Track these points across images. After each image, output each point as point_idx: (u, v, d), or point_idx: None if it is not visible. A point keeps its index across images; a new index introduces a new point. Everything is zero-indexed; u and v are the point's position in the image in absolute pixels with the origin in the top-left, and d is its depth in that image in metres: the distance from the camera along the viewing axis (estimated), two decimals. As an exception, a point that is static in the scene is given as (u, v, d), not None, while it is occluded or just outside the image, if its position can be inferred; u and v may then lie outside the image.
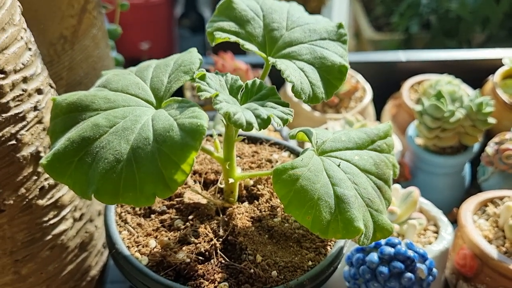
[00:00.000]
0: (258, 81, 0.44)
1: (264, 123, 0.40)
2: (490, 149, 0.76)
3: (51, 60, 0.63)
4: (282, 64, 0.44)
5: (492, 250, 0.59)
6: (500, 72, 0.93)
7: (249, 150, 0.59)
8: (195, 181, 0.54)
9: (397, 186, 0.62)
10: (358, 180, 0.44)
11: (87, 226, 0.56)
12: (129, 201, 0.38)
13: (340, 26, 0.49)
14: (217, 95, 0.40)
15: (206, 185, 0.54)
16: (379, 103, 0.96)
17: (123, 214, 0.51)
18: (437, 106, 0.70)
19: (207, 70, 0.91)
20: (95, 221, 0.58)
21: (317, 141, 0.46)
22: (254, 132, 0.63)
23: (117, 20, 0.79)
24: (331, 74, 0.46)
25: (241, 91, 0.44)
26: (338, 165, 0.44)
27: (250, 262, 0.46)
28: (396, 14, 1.68)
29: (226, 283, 0.44)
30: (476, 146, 0.76)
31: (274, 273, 0.45)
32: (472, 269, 0.61)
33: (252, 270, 0.45)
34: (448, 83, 0.87)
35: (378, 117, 0.95)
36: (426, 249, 0.57)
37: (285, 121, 0.41)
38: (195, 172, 0.55)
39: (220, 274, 0.45)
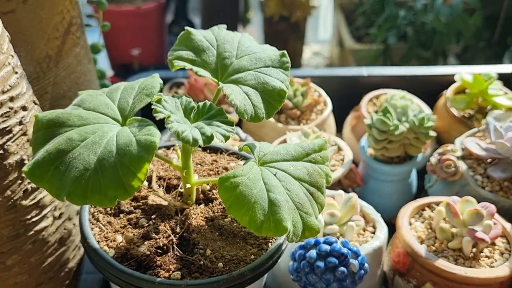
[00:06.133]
0: (208, 103, 0.53)
1: (208, 139, 0.48)
2: (433, 159, 0.84)
3: (38, 77, 0.71)
4: (228, 89, 0.53)
5: (421, 249, 0.67)
6: (452, 88, 1.02)
7: (209, 159, 0.67)
8: (159, 186, 0.62)
9: (341, 192, 0.70)
10: (291, 187, 0.52)
11: (66, 224, 0.64)
12: (95, 202, 0.46)
13: (283, 55, 0.58)
14: (169, 116, 0.48)
15: (169, 189, 0.62)
16: (342, 115, 1.05)
17: (95, 213, 0.59)
18: (383, 121, 0.78)
19: (181, 84, 0.99)
20: (73, 220, 0.66)
21: (259, 154, 0.55)
22: (216, 143, 0.72)
23: (100, 37, 0.87)
24: (272, 97, 0.55)
25: (194, 111, 0.52)
26: (275, 174, 0.52)
27: (200, 255, 0.54)
28: (375, 25, 1.77)
29: (179, 272, 0.52)
30: (420, 156, 0.85)
31: (220, 264, 0.53)
32: (405, 265, 0.69)
33: (201, 262, 0.53)
34: (401, 97, 0.95)
35: (341, 128, 1.04)
36: (361, 247, 0.65)
37: (226, 138, 0.49)
38: (160, 178, 0.63)
39: (174, 265, 0.53)
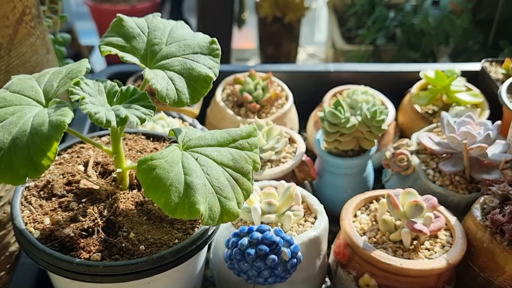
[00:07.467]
0: (131, 87, 0.54)
1: (122, 121, 0.49)
2: (388, 153, 0.84)
3: (-12, 64, 0.72)
4: (151, 74, 0.54)
5: (360, 240, 0.67)
6: (417, 84, 1.02)
7: (151, 147, 0.68)
8: (95, 171, 0.63)
9: (283, 182, 0.70)
10: (211, 172, 0.53)
11: (6, 208, 0.65)
12: (7, 180, 0.47)
13: (212, 42, 0.58)
14: (83, 98, 0.49)
15: (106, 174, 0.63)
16: (309, 110, 1.05)
17: (28, 196, 0.60)
18: (333, 113, 0.79)
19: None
20: (15, 204, 0.67)
21: (184, 139, 0.55)
22: (160, 131, 0.73)
23: (57, 28, 0.88)
24: (197, 83, 0.55)
25: (117, 95, 0.53)
26: (196, 159, 0.53)
27: (123, 238, 0.55)
28: (365, 26, 1.77)
29: (99, 254, 0.53)
30: (373, 150, 0.84)
31: (142, 247, 0.54)
32: (345, 256, 0.69)
33: (123, 244, 0.54)
34: (363, 93, 0.95)
35: (306, 122, 1.04)
36: (297, 236, 0.65)
37: (142, 120, 0.50)
38: (97, 164, 0.64)
39: (97, 246, 0.54)
